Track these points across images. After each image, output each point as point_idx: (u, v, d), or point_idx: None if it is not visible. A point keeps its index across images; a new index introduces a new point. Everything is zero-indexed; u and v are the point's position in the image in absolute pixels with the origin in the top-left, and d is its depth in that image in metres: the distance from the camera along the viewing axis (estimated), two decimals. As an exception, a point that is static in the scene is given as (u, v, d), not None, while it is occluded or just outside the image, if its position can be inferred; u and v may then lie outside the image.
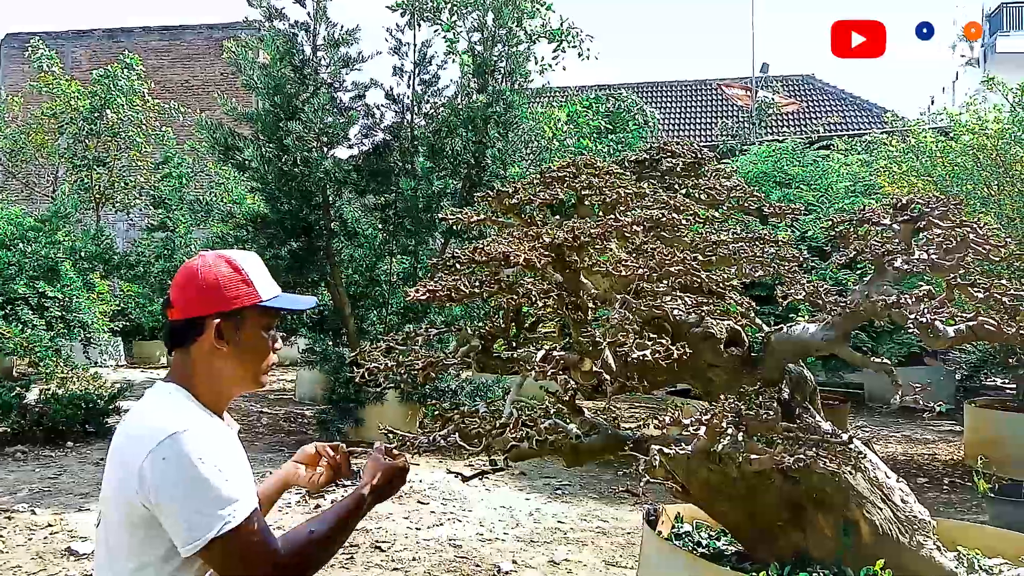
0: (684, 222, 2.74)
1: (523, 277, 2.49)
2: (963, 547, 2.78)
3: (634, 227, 2.48)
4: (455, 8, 10.70)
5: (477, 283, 2.36)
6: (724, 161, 9.47)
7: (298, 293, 2.45)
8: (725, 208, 3.07)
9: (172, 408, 1.56)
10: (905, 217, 2.61)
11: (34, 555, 4.68)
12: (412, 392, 7.61)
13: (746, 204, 3.06)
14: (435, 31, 11.99)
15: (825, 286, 2.64)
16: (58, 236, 10.15)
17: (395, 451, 1.82)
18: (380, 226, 8.46)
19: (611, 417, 2.57)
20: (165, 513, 1.47)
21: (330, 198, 8.11)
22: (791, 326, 2.66)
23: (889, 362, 2.47)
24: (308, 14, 7.86)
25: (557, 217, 2.82)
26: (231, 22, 20.37)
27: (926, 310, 2.27)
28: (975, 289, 2.37)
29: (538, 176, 2.84)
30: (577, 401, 2.50)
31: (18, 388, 7.77)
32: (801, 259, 2.91)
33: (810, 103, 21.80)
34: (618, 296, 2.35)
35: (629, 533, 5.29)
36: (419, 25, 8.47)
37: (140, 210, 15.96)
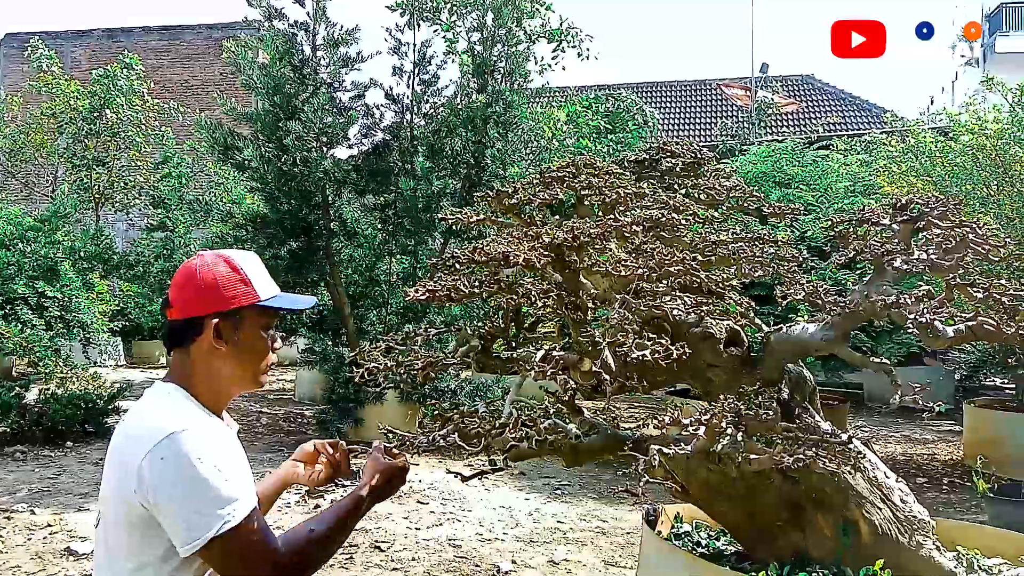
0: (684, 222, 2.74)
1: (523, 277, 2.49)
2: (962, 547, 2.79)
3: (634, 227, 2.48)
4: (455, 8, 10.69)
5: (476, 283, 2.36)
6: (723, 161, 9.46)
7: (297, 293, 2.45)
8: (724, 208, 3.07)
9: (171, 408, 1.56)
10: (904, 217, 2.61)
11: (33, 555, 4.68)
12: (412, 392, 7.61)
13: (745, 204, 3.06)
14: (435, 31, 11.98)
15: (824, 286, 2.64)
16: (57, 236, 10.16)
17: (395, 451, 1.82)
18: (380, 226, 8.45)
19: (610, 417, 2.57)
20: (164, 513, 1.47)
21: (329, 198, 8.11)
22: (790, 326, 2.66)
23: (888, 362, 2.47)
24: (308, 14, 7.86)
25: (557, 217, 2.82)
26: (231, 22, 20.36)
27: (925, 310, 2.27)
28: (974, 289, 2.37)
29: (538, 176, 2.84)
30: (576, 401, 2.50)
31: (17, 388, 7.77)
32: (800, 259, 2.91)
33: (810, 103, 21.81)
34: (617, 296, 2.35)
35: (629, 533, 5.29)
36: (419, 25, 8.47)
37: (139, 210, 15.96)
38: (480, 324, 2.49)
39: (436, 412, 2.34)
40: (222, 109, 7.95)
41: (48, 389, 7.88)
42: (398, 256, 8.60)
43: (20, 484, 6.21)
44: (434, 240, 8.41)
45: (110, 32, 22.37)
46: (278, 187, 7.78)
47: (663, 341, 2.16)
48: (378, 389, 7.43)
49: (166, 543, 1.50)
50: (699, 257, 2.67)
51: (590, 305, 2.51)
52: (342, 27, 7.92)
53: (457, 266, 2.48)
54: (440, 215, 3.14)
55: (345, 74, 8.09)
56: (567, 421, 2.46)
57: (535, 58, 12.40)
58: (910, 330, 2.31)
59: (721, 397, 2.21)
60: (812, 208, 8.04)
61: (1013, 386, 9.34)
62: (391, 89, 8.30)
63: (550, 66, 13.71)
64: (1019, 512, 4.66)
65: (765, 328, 2.73)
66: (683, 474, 2.57)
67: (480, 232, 6.34)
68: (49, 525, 5.20)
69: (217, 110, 8.73)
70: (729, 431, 2.09)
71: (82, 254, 10.63)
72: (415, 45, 8.29)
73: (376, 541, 5.01)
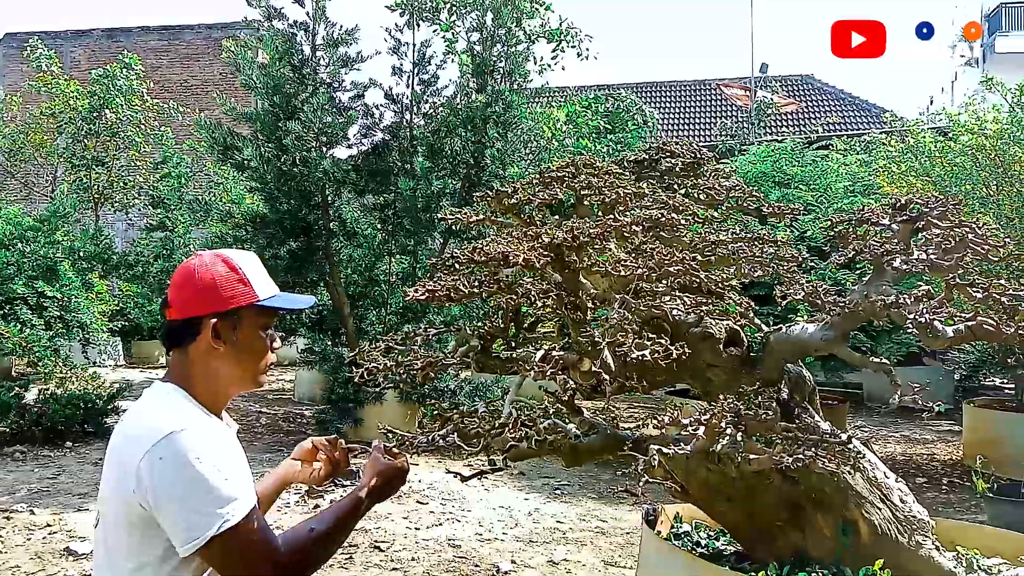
0: (683, 222, 2.74)
1: (522, 277, 2.49)
2: (962, 547, 2.79)
3: (633, 227, 2.48)
4: (454, 8, 10.69)
5: (476, 283, 2.36)
6: (723, 161, 9.45)
7: (297, 293, 2.45)
8: (724, 208, 3.07)
9: (170, 408, 1.56)
10: (904, 217, 2.61)
11: (33, 555, 4.68)
12: (411, 392, 7.61)
13: (745, 204, 3.06)
14: (434, 31, 11.98)
15: (824, 286, 2.64)
16: (57, 236, 10.15)
17: (395, 450, 1.82)
18: (379, 226, 8.46)
19: (610, 417, 2.57)
20: (163, 513, 1.47)
21: (329, 198, 8.11)
22: (790, 326, 2.66)
23: (888, 362, 2.47)
24: (307, 14, 7.86)
25: (556, 217, 2.82)
26: (230, 22, 20.36)
27: (925, 310, 2.27)
28: (974, 289, 2.37)
29: (537, 176, 2.84)
30: (576, 401, 2.50)
31: (17, 388, 7.77)
32: (800, 259, 2.91)
33: (809, 103, 21.81)
34: (617, 296, 2.35)
35: (628, 533, 5.29)
36: (418, 25, 8.48)
37: (139, 210, 15.96)
38: (480, 324, 2.49)
39: (436, 412, 2.34)
40: (221, 109, 7.95)
41: (47, 389, 7.88)
42: (397, 256, 8.60)
43: (19, 484, 6.21)
44: (434, 240, 8.41)
45: (109, 32, 22.37)
46: (277, 187, 7.78)
47: (663, 341, 2.16)
48: (378, 389, 7.43)
49: (165, 543, 1.50)
50: (699, 257, 2.67)
51: (590, 305, 2.51)
52: (342, 27, 7.92)
53: (457, 266, 2.48)
54: (440, 215, 3.14)
55: (345, 74, 8.09)
56: (567, 421, 2.46)
57: (535, 58, 12.40)
58: (910, 330, 2.31)
59: (721, 397, 2.21)
60: (811, 208, 8.04)
61: (1012, 386, 9.34)
62: (391, 89, 8.32)
63: (550, 66, 13.72)
64: (1018, 512, 4.66)
65: (765, 328, 2.73)
66: (683, 474, 2.57)
67: (480, 232, 6.34)
68: (48, 525, 5.20)
69: (216, 110, 8.74)
70: (729, 431, 2.09)
71: (81, 254, 10.63)
72: (415, 45, 8.30)
73: (376, 541, 5.01)
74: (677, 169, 3.10)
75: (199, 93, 20.92)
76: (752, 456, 2.17)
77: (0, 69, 22.12)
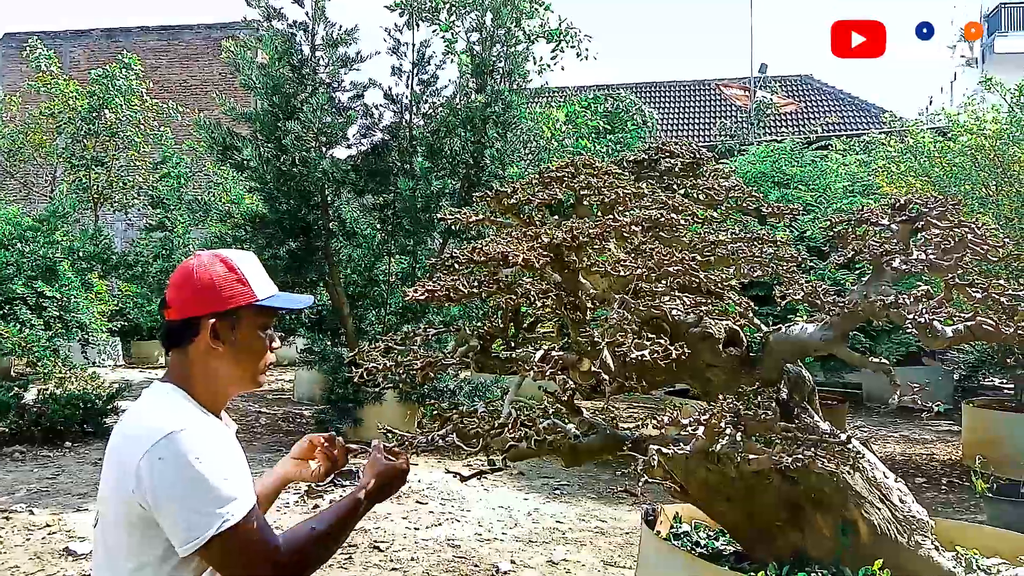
0: (683, 222, 2.74)
1: (522, 277, 2.49)
2: (961, 547, 2.79)
3: (632, 227, 2.48)
4: (454, 8, 10.70)
5: (476, 283, 2.36)
6: (722, 161, 9.46)
7: (296, 293, 2.45)
8: (723, 208, 3.07)
9: (169, 408, 1.56)
10: (903, 217, 2.61)
11: (32, 555, 4.67)
12: (411, 392, 7.61)
13: (744, 204, 3.06)
14: (433, 31, 11.98)
15: (823, 286, 2.64)
16: (56, 236, 10.15)
17: (396, 449, 1.82)
18: (379, 226, 8.46)
19: (609, 417, 2.57)
20: (163, 513, 1.47)
21: (328, 198, 8.10)
22: (789, 326, 2.66)
23: (887, 362, 2.47)
24: (306, 14, 7.86)
25: (556, 217, 2.82)
26: (230, 22, 20.36)
27: (924, 310, 2.27)
28: (973, 289, 2.38)
29: (537, 176, 2.84)
30: (576, 401, 2.51)
31: (16, 388, 7.76)
32: (799, 259, 2.91)
33: (808, 103, 21.81)
34: (617, 296, 2.35)
35: (628, 533, 5.29)
36: (417, 25, 8.48)
37: (138, 210, 15.95)
38: (479, 324, 2.49)
39: (435, 412, 2.34)
40: (221, 109, 7.95)
41: (47, 389, 7.88)
42: (397, 256, 8.60)
43: (19, 484, 6.20)
44: (433, 240, 8.41)
45: (109, 32, 22.36)
46: (277, 187, 7.78)
47: (662, 341, 2.16)
48: (377, 389, 7.43)
49: (165, 543, 1.50)
50: (698, 257, 2.67)
51: (589, 305, 2.51)
52: (341, 27, 7.93)
53: (456, 266, 2.48)
54: (439, 215, 3.14)
55: (344, 74, 8.10)
56: (566, 421, 2.47)
57: (534, 58, 12.41)
58: (909, 330, 2.31)
59: (720, 397, 2.22)
60: (811, 208, 8.05)
61: (1012, 386, 9.35)
62: (390, 89, 8.32)
63: (549, 66, 13.73)
64: (1018, 512, 4.66)
65: (764, 328, 2.73)
66: (682, 474, 2.57)
67: (479, 232, 6.34)
68: (48, 525, 5.19)
69: (216, 110, 8.73)
70: (728, 431, 2.09)
71: (81, 254, 10.63)
72: (414, 45, 8.30)
73: (375, 541, 5.00)
74: (676, 169, 3.10)
75: (198, 93, 20.92)
76: (751, 456, 2.17)
77: (-1, 69, 22.13)
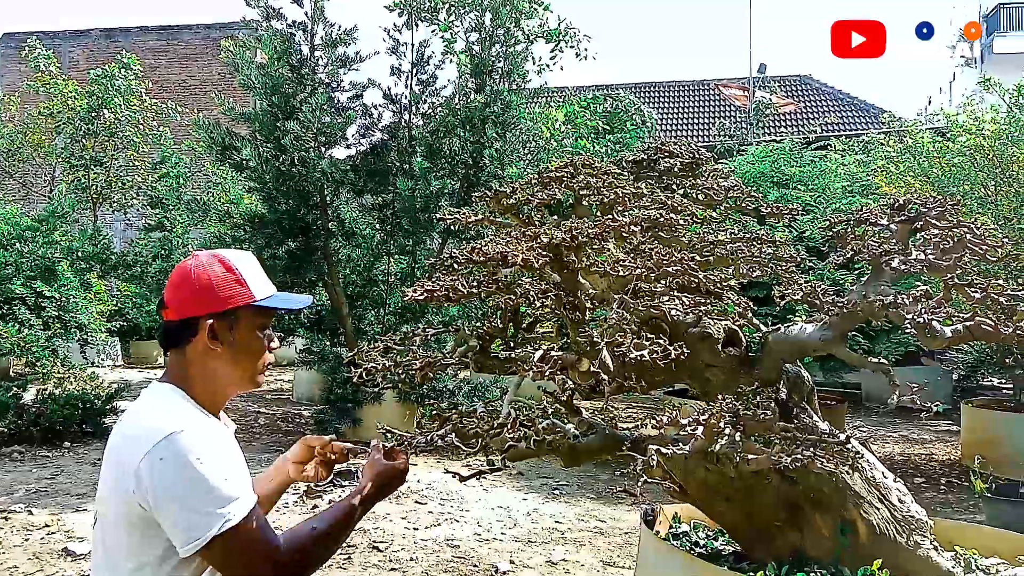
0: (682, 222, 2.74)
1: (521, 277, 2.49)
2: (960, 547, 2.79)
3: (632, 227, 2.48)
4: (453, 8, 10.70)
5: (475, 283, 2.36)
6: (721, 161, 9.47)
7: (295, 293, 2.45)
8: (723, 208, 3.07)
9: (168, 408, 1.56)
10: (902, 217, 2.61)
11: (31, 555, 4.67)
12: (410, 392, 7.61)
13: (744, 204, 3.06)
14: (433, 31, 11.97)
15: (822, 286, 2.64)
16: (55, 236, 10.14)
17: (395, 449, 1.82)
18: (378, 226, 8.46)
19: (609, 417, 2.57)
20: (164, 513, 1.47)
21: (328, 198, 8.10)
22: (788, 326, 2.66)
23: (886, 362, 2.47)
24: (306, 14, 7.86)
25: (555, 217, 2.82)
26: (229, 22, 20.35)
27: (923, 310, 2.27)
28: (972, 289, 2.38)
29: (536, 176, 2.84)
30: (575, 401, 2.50)
31: (15, 388, 7.76)
32: (798, 259, 2.91)
33: (807, 103, 21.82)
34: (616, 296, 2.35)
35: (627, 533, 5.29)
36: (417, 25, 8.48)
37: (137, 210, 15.94)
38: (478, 324, 2.49)
39: (434, 412, 2.34)
40: (220, 109, 7.95)
41: (46, 389, 7.87)
42: (396, 256, 8.61)
43: (17, 484, 6.20)
44: (432, 240, 8.42)
45: (108, 32, 22.35)
46: (276, 187, 7.77)
47: (661, 341, 2.16)
48: (376, 389, 7.43)
49: (165, 543, 1.50)
50: (697, 257, 2.67)
51: (588, 305, 2.51)
52: (340, 27, 7.94)
53: (455, 266, 2.48)
54: (438, 215, 3.14)
55: (343, 74, 8.10)
56: (565, 421, 2.46)
57: (533, 58, 12.41)
58: (908, 330, 2.31)
59: (719, 397, 2.21)
60: (810, 208, 8.05)
61: (1011, 386, 9.35)
62: (389, 89, 8.32)
63: (548, 66, 13.73)
64: (1016, 512, 4.67)
65: (763, 328, 2.73)
66: (681, 474, 2.57)
67: (478, 232, 6.34)
68: (47, 525, 5.19)
69: (215, 110, 8.73)
70: (727, 431, 2.09)
71: (80, 254, 10.62)
72: (413, 45, 8.30)
73: (374, 541, 5.00)
74: (675, 169, 3.10)
75: (197, 93, 20.91)
76: (751, 456, 2.17)
77: (-2, 69, 22.10)
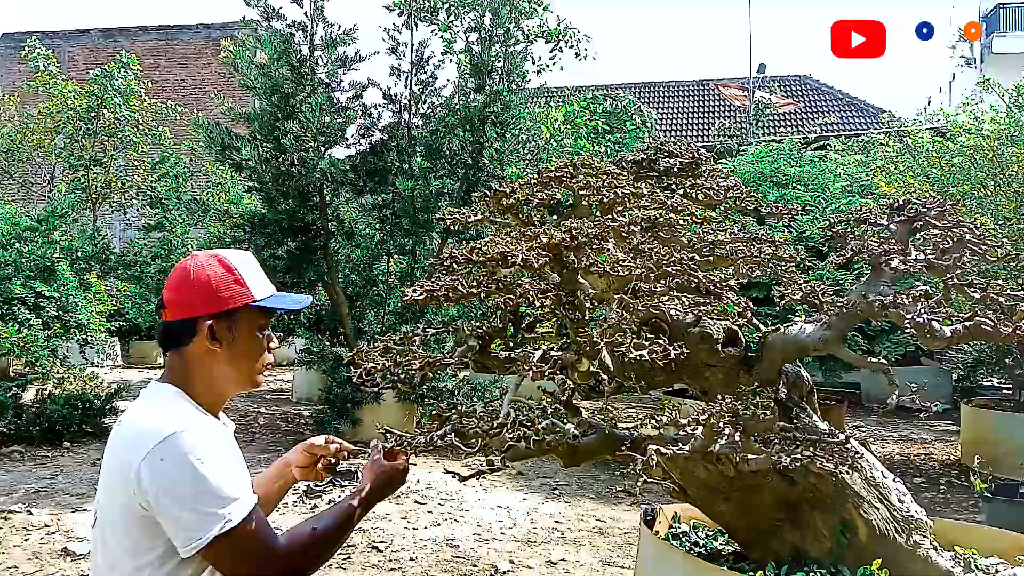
0: (681, 222, 2.74)
1: (520, 277, 2.48)
2: (960, 547, 2.79)
3: (631, 227, 2.48)
4: (452, 8, 10.69)
5: (474, 283, 2.36)
6: (721, 161, 9.47)
7: (295, 293, 2.45)
8: (722, 208, 3.07)
9: (168, 409, 1.56)
10: (902, 217, 2.61)
11: (31, 555, 4.67)
12: (409, 392, 7.61)
13: (743, 204, 3.06)
14: (432, 31, 11.95)
15: (822, 286, 2.64)
16: (54, 236, 10.11)
17: (396, 449, 1.82)
18: (377, 226, 8.46)
19: (608, 417, 2.57)
20: (164, 514, 1.47)
21: (327, 198, 8.10)
22: (788, 326, 2.66)
23: (886, 362, 2.47)
24: (305, 14, 7.86)
25: (555, 217, 2.82)
26: (228, 22, 20.36)
27: (923, 310, 2.27)
28: (972, 289, 2.38)
29: (536, 176, 2.84)
30: (574, 401, 2.50)
31: (14, 388, 7.76)
32: (798, 259, 2.91)
33: (807, 103, 21.83)
34: (615, 296, 2.35)
35: (626, 533, 5.29)
36: (416, 25, 8.48)
37: (137, 210, 15.93)
38: (478, 324, 2.49)
39: (434, 412, 2.34)
40: (220, 109, 7.95)
41: (45, 389, 7.87)
42: (396, 256, 8.61)
43: (17, 484, 6.20)
44: (432, 240, 8.41)
45: (107, 32, 22.34)
46: (276, 187, 7.77)
47: (661, 341, 2.16)
48: (376, 389, 7.35)
49: (165, 543, 1.50)
50: (697, 257, 2.67)
51: (588, 305, 2.51)
52: (340, 27, 7.93)
53: (455, 266, 2.47)
54: (438, 215, 3.14)
55: (343, 74, 8.10)
56: (565, 421, 2.46)
57: (533, 58, 12.38)
58: (907, 330, 2.31)
59: (719, 397, 2.21)
60: (810, 208, 8.04)
61: (1010, 386, 9.36)
62: (389, 89, 8.32)
63: (548, 66, 13.69)
64: (1016, 511, 4.67)
65: (763, 328, 2.73)
66: (681, 474, 2.57)
67: (478, 232, 6.34)
68: (46, 525, 5.19)
69: (215, 110, 8.74)
70: (727, 431, 2.09)
71: (79, 254, 10.62)
72: (413, 45, 8.31)
73: (374, 541, 5.00)
74: (675, 169, 3.10)
75: (197, 93, 20.91)
76: (750, 456, 2.18)
77: (-2, 69, 22.09)
